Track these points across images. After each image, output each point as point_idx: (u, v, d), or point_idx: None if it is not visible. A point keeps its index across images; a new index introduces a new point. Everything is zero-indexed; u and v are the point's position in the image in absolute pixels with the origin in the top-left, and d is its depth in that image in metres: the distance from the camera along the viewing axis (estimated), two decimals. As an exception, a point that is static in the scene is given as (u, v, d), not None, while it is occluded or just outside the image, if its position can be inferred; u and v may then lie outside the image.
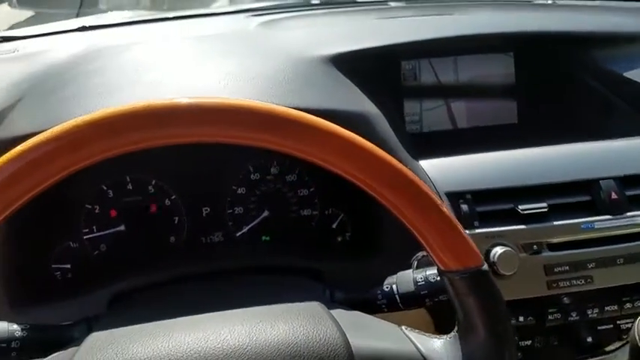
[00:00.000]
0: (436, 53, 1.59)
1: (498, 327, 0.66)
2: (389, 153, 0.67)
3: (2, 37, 1.68)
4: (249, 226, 1.30)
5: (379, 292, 0.91)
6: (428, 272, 0.88)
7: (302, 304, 0.75)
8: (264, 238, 1.38)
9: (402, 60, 1.53)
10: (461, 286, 0.66)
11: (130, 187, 1.34)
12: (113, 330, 0.71)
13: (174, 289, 1.00)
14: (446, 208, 0.66)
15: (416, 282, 0.88)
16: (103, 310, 0.99)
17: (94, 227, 1.33)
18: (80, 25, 1.68)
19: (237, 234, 1.38)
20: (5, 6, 2.28)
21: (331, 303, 0.82)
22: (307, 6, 1.87)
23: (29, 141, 0.60)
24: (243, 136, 0.65)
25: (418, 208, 0.65)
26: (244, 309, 0.73)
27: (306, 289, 0.94)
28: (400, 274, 0.92)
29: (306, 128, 0.61)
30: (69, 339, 0.79)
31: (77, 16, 1.98)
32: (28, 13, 2.14)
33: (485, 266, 0.67)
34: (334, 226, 1.41)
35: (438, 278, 0.72)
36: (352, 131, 0.65)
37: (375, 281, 0.95)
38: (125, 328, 0.71)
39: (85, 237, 1.33)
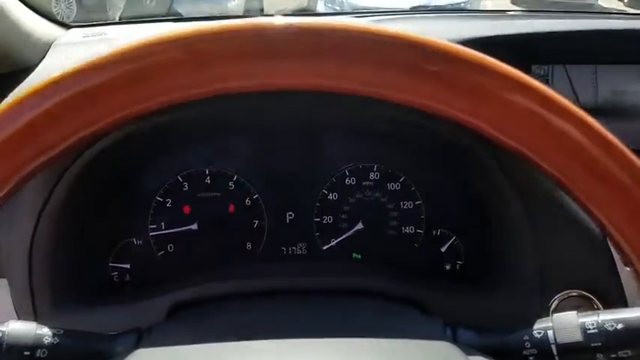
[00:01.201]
0: (573, 58, 1.32)
1: None
2: None
3: (93, 24, 1.63)
4: (339, 239, 1.21)
5: (526, 338, 0.72)
6: (604, 317, 0.62)
7: (429, 343, 0.63)
8: (354, 255, 1.23)
9: (532, 63, 1.30)
10: None
11: (208, 180, 1.20)
12: (164, 348, 0.63)
13: (246, 304, 0.89)
14: None
15: (585, 329, 0.66)
16: (160, 321, 0.90)
17: (163, 223, 1.20)
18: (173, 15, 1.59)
19: (324, 247, 1.23)
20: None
21: (461, 346, 0.71)
22: (415, 12, 1.71)
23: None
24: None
25: None
26: (347, 339, 0.62)
27: (418, 323, 0.81)
28: (557, 316, 0.75)
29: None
30: (110, 352, 0.70)
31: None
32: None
33: None
34: (443, 249, 1.22)
35: (620, 326, 0.60)
36: None
37: (495, 322, 0.80)
38: (179, 347, 0.63)
39: (151, 234, 1.19)
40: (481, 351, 0.70)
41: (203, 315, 0.90)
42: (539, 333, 0.70)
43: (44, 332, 0.66)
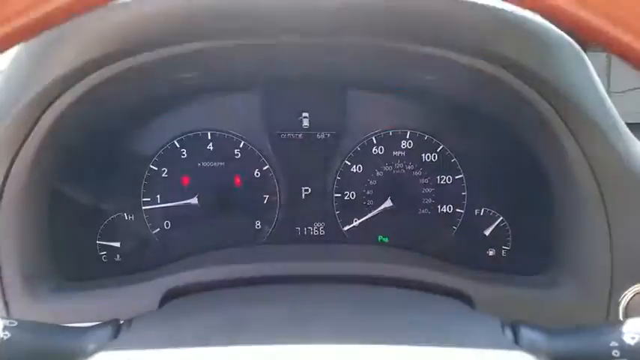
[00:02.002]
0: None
1: None
2: None
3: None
4: (363, 219, 1.06)
5: (614, 344, 0.60)
6: None
7: (502, 354, 0.57)
8: (381, 237, 1.08)
9: None
10: None
11: (210, 146, 1.05)
12: (132, 352, 0.57)
13: (255, 293, 0.77)
14: None
15: None
16: (152, 309, 0.79)
17: (158, 196, 1.05)
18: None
19: (345, 228, 1.08)
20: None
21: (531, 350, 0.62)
22: None
23: None
24: None
25: None
26: (392, 346, 0.55)
27: (472, 322, 0.69)
28: None
29: None
30: (79, 349, 0.62)
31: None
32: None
33: None
34: (487, 232, 1.06)
35: None
36: None
37: (559, 321, 0.71)
38: (155, 351, 0.56)
39: (144, 208, 1.05)
40: (552, 357, 0.62)
41: (196, 307, 0.74)
42: (633, 338, 0.59)
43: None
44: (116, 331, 0.65)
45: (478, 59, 0.77)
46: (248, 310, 0.68)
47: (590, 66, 0.83)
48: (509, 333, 0.67)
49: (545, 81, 0.77)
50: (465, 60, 0.78)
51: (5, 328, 0.59)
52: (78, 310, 0.84)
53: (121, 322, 0.68)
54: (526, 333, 0.67)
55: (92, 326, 0.66)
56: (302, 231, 1.07)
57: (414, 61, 0.81)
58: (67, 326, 0.66)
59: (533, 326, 0.68)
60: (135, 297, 0.85)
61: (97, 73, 0.77)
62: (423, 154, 1.05)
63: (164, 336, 0.60)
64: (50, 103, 0.79)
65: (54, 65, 0.76)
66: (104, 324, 0.67)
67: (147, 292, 0.84)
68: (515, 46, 0.76)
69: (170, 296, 0.82)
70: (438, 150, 1.04)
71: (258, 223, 1.06)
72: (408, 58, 0.80)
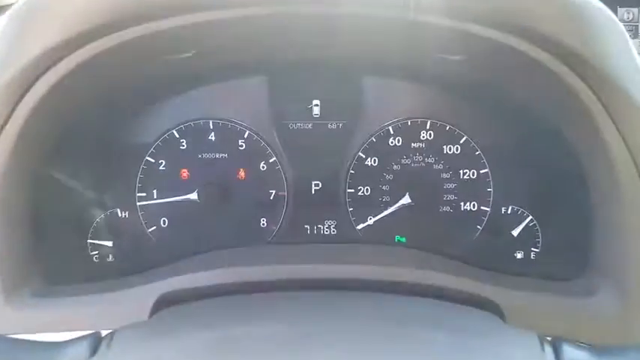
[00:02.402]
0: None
1: None
2: None
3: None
4: (378, 216, 0.99)
5: None
6: None
7: None
8: (398, 237, 1.00)
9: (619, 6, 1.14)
10: None
11: (212, 137, 0.98)
12: None
13: (256, 302, 0.69)
14: None
15: None
16: (142, 318, 0.72)
17: (155, 191, 0.98)
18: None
19: (359, 226, 1.00)
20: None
21: None
22: None
23: None
24: None
25: None
26: None
27: (508, 339, 0.62)
28: None
29: None
30: None
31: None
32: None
33: None
34: (515, 233, 0.98)
35: None
36: None
37: (602, 337, 0.69)
38: None
39: (139, 204, 0.98)
40: None
41: (188, 320, 0.66)
42: None
43: None
44: (94, 347, 0.60)
45: (515, 37, 0.69)
46: (244, 326, 0.60)
47: (633, 47, 0.74)
48: (549, 351, 0.61)
49: (587, 62, 0.68)
50: (500, 37, 0.69)
51: None
52: (61, 319, 0.77)
53: (103, 335, 0.62)
54: (569, 352, 0.61)
55: (68, 341, 0.61)
56: (311, 230, 0.99)
57: (445, 40, 0.72)
58: (39, 342, 0.62)
59: (576, 344, 0.62)
60: (124, 303, 0.77)
61: (83, 49, 0.68)
62: (445, 146, 0.97)
63: (146, 357, 0.55)
64: (32, 83, 0.70)
65: (35, 42, 0.67)
66: (82, 338, 0.61)
67: (138, 298, 0.77)
68: (555, 23, 0.68)
69: (163, 302, 0.75)
70: (461, 141, 0.97)
71: (263, 221, 0.99)
72: (439, 37, 0.71)
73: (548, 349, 0.60)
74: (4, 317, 0.73)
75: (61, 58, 0.68)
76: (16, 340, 0.61)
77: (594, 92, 0.71)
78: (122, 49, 0.70)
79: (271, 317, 0.63)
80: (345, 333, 0.57)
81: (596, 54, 0.69)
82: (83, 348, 0.58)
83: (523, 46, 0.70)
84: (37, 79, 0.69)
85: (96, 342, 0.60)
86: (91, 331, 0.62)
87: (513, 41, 0.70)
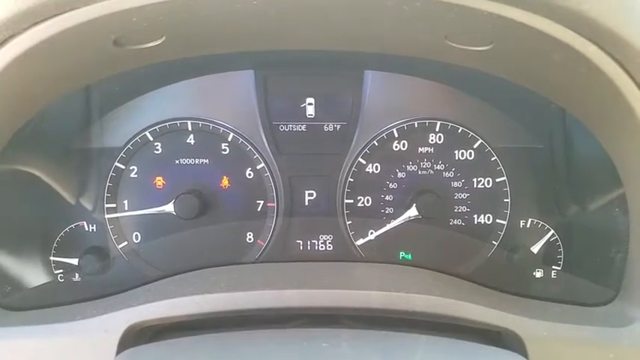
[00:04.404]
0: None
1: None
2: None
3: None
4: (380, 231, 0.92)
5: None
6: None
7: None
8: (403, 255, 0.92)
9: None
10: None
11: (191, 139, 0.89)
12: None
13: (236, 340, 0.62)
14: None
15: None
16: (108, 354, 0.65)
17: (125, 202, 0.89)
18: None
19: (359, 242, 0.92)
20: None
21: None
22: None
23: None
24: None
25: None
26: None
27: None
28: None
29: None
30: None
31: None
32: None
33: None
34: (535, 249, 0.90)
35: None
36: None
37: None
38: None
39: (107, 216, 0.89)
40: None
41: (174, 350, 0.59)
42: None
43: None
44: None
45: (549, 19, 0.59)
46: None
47: None
48: None
49: (627, 44, 0.59)
50: (533, 21, 0.59)
51: None
52: (13, 353, 0.66)
53: None
54: None
55: None
56: (304, 246, 0.92)
57: (475, 24, 0.62)
58: None
59: None
60: (89, 334, 0.67)
61: (33, 30, 0.57)
62: (457, 151, 0.89)
63: None
64: None
65: None
66: None
67: (104, 328, 0.66)
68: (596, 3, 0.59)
69: (132, 335, 0.66)
70: (475, 146, 0.89)
71: (249, 236, 0.91)
72: (468, 22, 0.62)
73: None
74: None
75: (6, 39, 0.57)
76: None
77: (634, 81, 0.62)
78: (77, 33, 0.60)
79: (273, 340, 0.54)
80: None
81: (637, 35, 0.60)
82: None
83: (554, 29, 0.61)
84: None
85: None
86: None
87: (545, 24, 0.61)
